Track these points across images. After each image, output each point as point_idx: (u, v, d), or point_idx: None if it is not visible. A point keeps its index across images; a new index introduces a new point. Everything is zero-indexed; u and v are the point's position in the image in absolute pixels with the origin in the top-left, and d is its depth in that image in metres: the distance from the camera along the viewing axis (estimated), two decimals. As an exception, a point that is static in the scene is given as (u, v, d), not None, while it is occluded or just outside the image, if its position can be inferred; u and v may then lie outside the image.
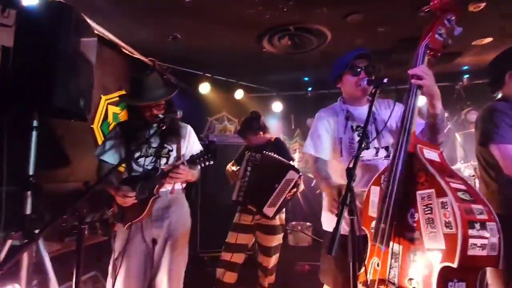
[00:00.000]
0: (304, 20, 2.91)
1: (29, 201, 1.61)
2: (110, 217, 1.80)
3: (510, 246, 0.97)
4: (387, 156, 1.55)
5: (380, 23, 2.96)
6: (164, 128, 1.65)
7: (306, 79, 4.64)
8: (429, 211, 1.02)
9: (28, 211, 1.60)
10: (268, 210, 2.30)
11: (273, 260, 2.55)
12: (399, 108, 1.60)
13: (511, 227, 1.02)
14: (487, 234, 0.93)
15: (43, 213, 1.69)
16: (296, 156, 5.05)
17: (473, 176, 3.10)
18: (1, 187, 1.64)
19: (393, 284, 1.11)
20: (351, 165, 1.08)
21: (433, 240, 1.00)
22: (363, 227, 1.27)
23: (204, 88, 4.20)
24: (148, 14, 2.77)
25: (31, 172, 1.64)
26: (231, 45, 3.42)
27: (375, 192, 1.25)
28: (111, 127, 3.05)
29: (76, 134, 2.69)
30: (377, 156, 1.54)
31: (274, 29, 3.06)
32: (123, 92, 3.24)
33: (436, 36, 1.19)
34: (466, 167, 3.39)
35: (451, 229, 0.94)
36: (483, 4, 2.55)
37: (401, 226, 1.10)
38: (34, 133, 1.66)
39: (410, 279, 1.06)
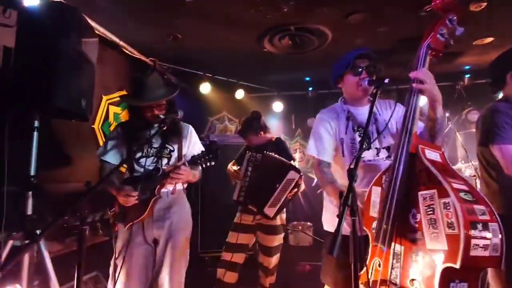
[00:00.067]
0: (304, 20, 2.91)
1: (30, 202, 1.61)
2: (111, 217, 1.80)
3: (510, 247, 0.97)
4: (388, 157, 1.55)
5: (381, 23, 2.96)
6: (165, 128, 1.65)
7: (308, 79, 4.63)
8: (431, 212, 1.01)
9: (29, 211, 1.60)
10: (269, 210, 2.29)
11: (274, 260, 2.55)
12: (400, 109, 1.59)
13: (511, 228, 1.02)
14: (489, 235, 0.93)
15: (44, 214, 1.69)
16: (297, 156, 5.05)
17: (474, 176, 3.10)
18: (2, 188, 1.64)
19: (395, 284, 1.11)
20: (352, 166, 1.08)
21: (435, 240, 0.99)
22: (364, 228, 1.27)
23: (205, 88, 4.20)
24: (149, 14, 2.77)
25: (32, 172, 1.65)
26: (231, 45, 3.42)
27: (376, 193, 1.25)
28: (112, 127, 3.06)
29: (77, 134, 2.69)
30: (378, 156, 1.54)
31: (274, 29, 3.05)
32: (124, 92, 3.24)
33: (438, 36, 1.18)
34: (467, 167, 3.39)
35: (453, 229, 0.94)
36: (484, 4, 2.55)
37: (402, 226, 1.10)
38: (35, 134, 1.66)
39: (412, 279, 1.06)
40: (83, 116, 1.81)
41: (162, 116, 1.71)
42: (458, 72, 4.19)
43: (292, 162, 2.48)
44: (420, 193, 1.06)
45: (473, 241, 0.91)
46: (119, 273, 1.66)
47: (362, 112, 1.61)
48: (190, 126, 1.95)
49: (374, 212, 1.24)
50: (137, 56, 3.41)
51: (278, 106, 4.86)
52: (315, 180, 4.41)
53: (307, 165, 5.13)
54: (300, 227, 4.47)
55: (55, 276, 1.59)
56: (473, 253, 0.91)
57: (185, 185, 1.90)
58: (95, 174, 1.90)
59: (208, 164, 1.66)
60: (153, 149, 1.80)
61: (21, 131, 1.66)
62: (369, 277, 1.19)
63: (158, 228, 1.75)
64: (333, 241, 0.94)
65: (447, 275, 0.97)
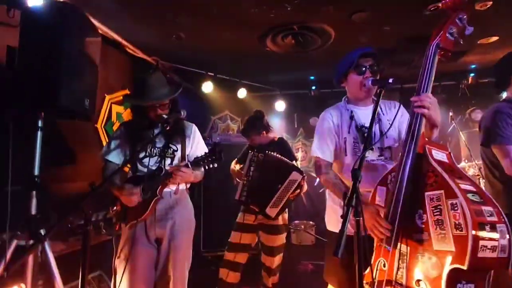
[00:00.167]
0: (308, 19, 2.89)
1: (34, 201, 1.62)
2: (113, 217, 1.79)
3: None
4: (391, 157, 1.54)
5: (386, 22, 2.94)
6: (168, 128, 1.65)
7: (312, 78, 4.62)
8: (438, 213, 1.01)
9: (34, 211, 1.60)
10: (271, 211, 2.29)
11: (276, 260, 2.55)
12: (404, 110, 1.59)
13: None
14: (497, 236, 0.92)
15: (48, 213, 1.69)
16: (299, 155, 5.05)
17: (478, 175, 3.08)
18: (6, 187, 1.65)
19: (401, 285, 1.10)
20: (356, 166, 1.07)
21: (442, 241, 0.99)
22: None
23: (207, 87, 4.20)
24: (151, 14, 2.77)
25: (36, 172, 1.65)
26: (234, 44, 3.41)
27: (381, 192, 1.24)
28: (115, 126, 3.06)
29: (80, 133, 2.70)
30: (381, 156, 1.53)
31: (277, 28, 3.04)
32: (127, 91, 3.24)
33: (447, 35, 1.17)
34: (471, 167, 3.37)
35: (461, 231, 0.93)
36: (489, 3, 2.52)
37: (408, 227, 1.09)
38: (39, 133, 1.66)
39: (418, 280, 1.06)
40: (86, 116, 1.81)
41: (165, 116, 1.70)
42: (462, 71, 4.16)
43: (294, 162, 2.48)
44: (426, 193, 1.06)
45: (481, 243, 0.90)
46: (123, 272, 1.66)
47: (365, 112, 1.60)
48: (194, 126, 1.94)
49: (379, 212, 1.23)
50: (139, 56, 3.40)
51: (280, 105, 4.85)
52: (318, 179, 4.40)
53: (309, 164, 5.12)
54: (302, 226, 4.47)
55: (59, 276, 1.59)
56: (481, 254, 0.91)
57: (188, 185, 1.90)
58: (98, 173, 1.90)
59: (211, 165, 1.66)
60: (156, 148, 1.79)
61: (25, 131, 1.66)
62: (374, 277, 1.19)
63: (161, 228, 1.74)
64: (338, 242, 0.93)
65: (454, 276, 0.96)
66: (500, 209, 0.98)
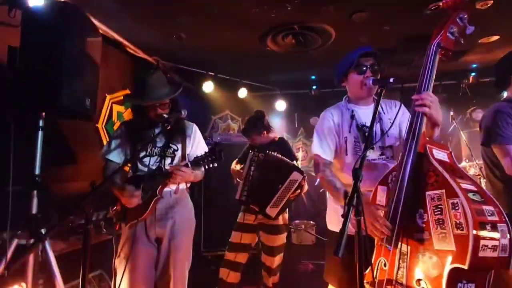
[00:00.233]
0: (308, 19, 2.89)
1: (35, 201, 1.62)
2: (113, 216, 1.80)
3: None
4: (392, 156, 1.54)
5: (386, 22, 2.94)
6: (169, 128, 1.65)
7: (313, 77, 4.62)
8: (439, 212, 1.01)
9: (35, 210, 1.61)
10: (271, 211, 2.29)
11: (276, 260, 2.55)
12: (405, 110, 1.59)
13: None
14: (498, 236, 0.92)
15: (49, 213, 1.69)
16: (299, 155, 5.04)
17: (478, 175, 3.08)
18: (7, 187, 1.65)
19: (401, 284, 1.10)
20: (357, 166, 1.07)
21: (442, 241, 0.99)
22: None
23: (208, 87, 4.20)
24: (152, 13, 2.77)
25: (37, 171, 1.65)
26: (235, 44, 3.41)
27: (382, 192, 1.24)
28: (116, 126, 3.06)
29: (81, 133, 2.70)
30: (382, 155, 1.53)
31: (278, 28, 3.04)
32: (127, 91, 3.24)
33: (448, 34, 1.16)
34: (471, 166, 3.37)
35: (462, 230, 0.93)
36: (490, 2, 2.52)
37: (409, 226, 1.09)
38: (40, 133, 1.67)
39: (419, 279, 1.05)
40: (87, 115, 1.81)
41: (166, 116, 1.70)
42: (463, 70, 4.15)
43: (295, 162, 2.48)
44: (427, 193, 1.06)
45: (482, 242, 0.90)
46: (123, 272, 1.66)
47: (366, 111, 1.60)
48: (194, 125, 1.94)
49: (379, 211, 1.23)
50: (140, 55, 3.41)
51: (281, 105, 4.85)
52: (318, 180, 4.40)
53: (309, 164, 5.12)
54: (303, 226, 4.47)
55: (60, 275, 1.60)
56: (482, 254, 0.91)
57: (188, 185, 1.90)
58: (99, 173, 1.90)
59: (211, 165, 1.66)
60: (157, 148, 1.79)
61: (26, 131, 1.66)
62: (374, 276, 1.19)
63: (161, 228, 1.74)
64: (338, 241, 0.93)
65: (455, 276, 0.96)
66: (501, 209, 0.98)
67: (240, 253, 2.48)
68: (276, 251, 2.52)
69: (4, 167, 1.60)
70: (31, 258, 1.57)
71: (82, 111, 1.72)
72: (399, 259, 1.12)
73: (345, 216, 0.96)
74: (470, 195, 0.96)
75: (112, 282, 1.71)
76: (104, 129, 3.02)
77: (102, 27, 2.69)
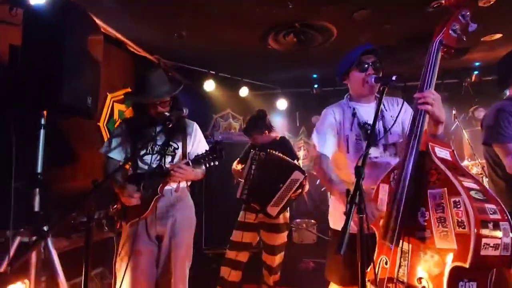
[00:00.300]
0: (310, 17, 2.88)
1: (37, 199, 1.63)
2: (114, 214, 1.80)
3: None
4: (395, 154, 1.53)
5: (387, 20, 2.92)
6: (171, 126, 1.65)
7: (315, 76, 4.61)
8: (441, 210, 1.00)
9: (37, 208, 1.61)
10: (272, 209, 2.29)
11: (277, 259, 2.55)
12: (407, 107, 1.58)
13: None
14: (500, 234, 0.92)
15: (51, 211, 1.70)
16: (301, 154, 5.04)
17: (481, 174, 3.07)
18: (9, 185, 1.66)
19: (402, 282, 1.10)
20: (359, 163, 1.07)
21: (444, 239, 0.98)
22: (371, 226, 1.26)
23: (209, 85, 4.20)
24: (153, 12, 2.77)
25: (39, 169, 1.66)
26: (236, 42, 3.41)
27: (384, 190, 1.24)
28: (117, 125, 3.06)
29: (82, 132, 2.70)
30: (385, 153, 1.52)
31: (279, 26, 3.03)
32: (129, 90, 3.25)
33: (450, 32, 1.16)
34: (474, 165, 3.36)
35: (463, 228, 0.93)
36: (493, 0, 2.51)
37: (411, 224, 1.09)
38: (42, 131, 1.67)
39: (420, 278, 1.05)
40: (88, 114, 1.81)
41: (167, 114, 1.70)
42: (465, 68, 4.14)
43: (296, 161, 2.47)
44: (429, 191, 1.05)
45: (484, 240, 0.90)
46: (125, 270, 1.66)
47: (368, 109, 1.59)
48: (195, 124, 1.94)
49: (381, 209, 1.23)
50: (141, 54, 3.41)
51: (282, 103, 4.85)
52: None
53: (310, 163, 5.11)
54: (304, 225, 4.47)
55: (62, 272, 1.60)
56: (483, 252, 0.90)
57: (189, 183, 1.90)
58: (100, 171, 1.90)
59: (212, 163, 1.66)
60: (157, 146, 1.79)
61: (28, 129, 1.67)
62: (376, 274, 1.19)
63: (162, 226, 1.74)
64: (340, 239, 0.93)
65: (456, 274, 0.96)
66: (504, 207, 0.97)
67: (241, 252, 2.49)
68: (276, 249, 2.52)
69: (6, 166, 1.61)
70: (33, 255, 1.58)
71: (83, 109, 1.73)
72: (401, 257, 1.11)
73: (347, 214, 0.96)
74: (472, 193, 0.95)
75: (113, 280, 1.71)
76: (105, 128, 3.03)
77: (103, 26, 2.69)
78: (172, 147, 1.81)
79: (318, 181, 4.24)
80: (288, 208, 2.53)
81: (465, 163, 3.49)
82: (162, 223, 1.75)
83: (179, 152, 1.82)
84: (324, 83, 4.60)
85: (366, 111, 1.59)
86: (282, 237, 2.53)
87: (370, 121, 1.51)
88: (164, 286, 1.72)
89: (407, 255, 1.09)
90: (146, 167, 1.75)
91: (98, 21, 2.23)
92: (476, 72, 4.10)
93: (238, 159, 2.73)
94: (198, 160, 1.65)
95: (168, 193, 1.75)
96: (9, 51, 1.80)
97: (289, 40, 3.27)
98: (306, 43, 3.31)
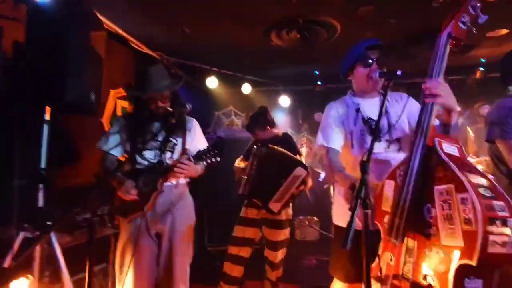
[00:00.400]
0: (313, 13, 2.86)
1: (41, 194, 1.63)
2: (113, 211, 1.80)
3: None
4: (399, 149, 1.52)
5: (392, 15, 2.89)
6: (174, 121, 1.64)
7: (317, 72, 4.58)
8: (448, 207, 0.99)
9: (41, 204, 1.62)
10: (274, 205, 2.28)
11: (279, 255, 2.54)
12: (412, 102, 1.56)
13: None
14: (508, 231, 0.90)
15: (54, 207, 1.70)
16: (303, 150, 5.02)
17: (485, 171, 3.04)
18: (13, 181, 1.67)
19: (407, 279, 1.09)
20: (365, 159, 1.05)
21: (451, 236, 0.97)
22: (375, 222, 1.25)
23: (212, 82, 4.18)
24: (156, 8, 2.75)
25: (43, 165, 1.66)
26: (239, 39, 3.39)
27: (389, 186, 1.23)
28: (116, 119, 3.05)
29: (85, 128, 2.71)
30: (389, 148, 1.51)
31: (282, 22, 3.01)
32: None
33: (460, 24, 1.13)
34: (478, 162, 3.33)
35: (470, 226, 0.92)
36: (500, -7, 2.47)
37: (416, 221, 1.08)
38: (45, 127, 1.67)
39: (425, 275, 1.04)
40: (92, 110, 1.81)
41: (170, 109, 1.69)
42: (470, 65, 4.09)
43: (298, 157, 2.46)
44: (436, 187, 1.04)
45: (491, 238, 0.89)
46: (128, 267, 1.66)
47: (371, 104, 1.58)
48: (194, 120, 1.92)
49: (386, 206, 1.21)
50: (144, 51, 3.40)
51: (285, 100, 4.83)
52: (322, 175, 4.38)
53: (314, 159, 5.09)
54: (306, 222, 4.46)
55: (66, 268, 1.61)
56: (490, 250, 0.89)
57: (188, 179, 1.88)
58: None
59: (213, 160, 1.64)
60: (156, 142, 1.77)
61: (32, 125, 1.67)
62: (381, 270, 1.18)
63: (161, 222, 1.73)
64: (346, 234, 0.92)
65: (463, 272, 0.95)
66: (512, 204, 0.96)
67: (243, 247, 2.49)
68: (279, 245, 2.51)
69: (10, 162, 1.61)
70: (37, 250, 1.59)
71: (87, 105, 1.73)
72: (406, 254, 1.10)
73: (352, 209, 0.95)
74: (480, 190, 0.94)
75: (115, 277, 1.72)
76: (108, 124, 3.03)
77: (106, 22, 2.68)
78: (172, 143, 1.78)
79: (321, 178, 4.23)
80: (291, 204, 2.53)
81: (469, 159, 3.46)
82: (161, 219, 1.73)
83: (178, 148, 1.79)
84: (327, 80, 4.57)
85: (370, 107, 1.57)
86: (284, 233, 2.53)
87: (374, 117, 1.50)
88: (165, 283, 1.72)
89: (412, 251, 1.08)
90: (145, 162, 1.73)
91: (101, 17, 2.23)
92: (481, 69, 4.05)
93: (242, 156, 2.72)
94: (199, 156, 1.64)
95: (167, 189, 1.73)
96: (13, 48, 1.80)
97: (292, 37, 3.24)
98: (309, 39, 3.28)
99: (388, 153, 1.50)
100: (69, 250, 1.85)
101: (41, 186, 1.63)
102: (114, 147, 1.77)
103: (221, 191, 3.65)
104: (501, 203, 0.94)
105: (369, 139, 1.47)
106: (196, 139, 1.87)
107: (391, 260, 1.16)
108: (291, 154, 2.38)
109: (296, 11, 2.80)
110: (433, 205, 1.04)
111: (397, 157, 1.45)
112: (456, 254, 0.95)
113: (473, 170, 1.04)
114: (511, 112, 1.56)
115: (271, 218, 2.45)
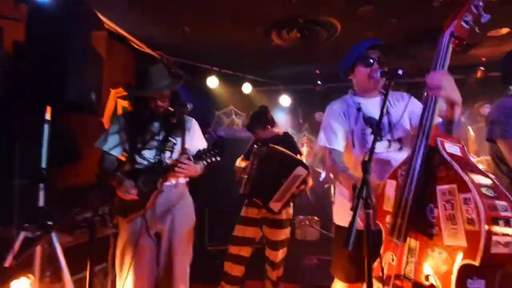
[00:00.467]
0: (313, 12, 2.85)
1: (42, 194, 1.63)
2: (113, 210, 1.79)
3: None
4: (400, 149, 1.51)
5: (392, 15, 2.88)
6: (174, 121, 1.63)
7: (317, 71, 4.57)
8: (450, 207, 0.98)
9: (41, 203, 1.62)
10: (274, 205, 2.28)
11: (280, 254, 2.54)
12: (413, 101, 1.56)
13: None
14: (511, 232, 0.90)
15: (55, 207, 1.70)
16: (304, 150, 5.02)
17: (486, 171, 3.03)
18: (13, 181, 1.66)
19: (409, 279, 1.09)
20: (366, 158, 1.05)
21: (453, 236, 0.97)
22: (377, 222, 1.24)
23: (212, 82, 4.18)
24: (156, 8, 2.75)
25: (43, 165, 1.66)
26: (239, 39, 3.38)
27: (391, 186, 1.22)
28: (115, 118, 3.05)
29: (86, 128, 2.70)
30: (390, 148, 1.51)
31: (283, 22, 3.00)
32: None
33: (462, 23, 1.13)
34: (479, 162, 3.32)
35: (473, 226, 0.91)
36: (501, -8, 2.45)
37: (418, 221, 1.08)
38: (46, 127, 1.67)
39: (427, 275, 1.04)
40: (92, 109, 1.81)
41: (171, 109, 1.69)
42: (471, 64, 4.08)
43: (299, 156, 2.46)
44: (438, 187, 1.03)
45: (494, 238, 0.88)
46: (129, 267, 1.66)
47: (372, 103, 1.57)
48: (194, 120, 1.91)
49: (388, 206, 1.21)
50: (145, 50, 3.40)
51: (285, 100, 4.82)
52: (322, 174, 4.38)
53: (314, 159, 5.09)
54: (307, 221, 4.46)
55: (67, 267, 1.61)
56: (493, 250, 0.89)
57: (187, 179, 1.87)
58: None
59: (213, 159, 1.64)
60: (156, 141, 1.76)
61: (32, 125, 1.67)
62: (383, 270, 1.17)
63: (161, 222, 1.73)
64: (348, 234, 0.92)
65: (465, 272, 0.94)
66: (515, 204, 0.95)
67: (244, 247, 2.49)
68: (279, 245, 2.51)
69: (11, 162, 1.61)
70: (38, 250, 1.58)
71: (87, 105, 1.72)
72: (408, 254, 1.10)
73: (354, 208, 0.95)
74: (483, 190, 0.93)
75: (115, 276, 1.71)
76: (109, 124, 3.02)
77: (107, 22, 2.68)
78: (171, 143, 1.77)
79: (321, 177, 4.22)
80: (292, 204, 2.53)
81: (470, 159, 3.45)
82: (161, 219, 1.73)
83: (177, 148, 1.79)
84: (328, 79, 4.56)
85: (371, 106, 1.57)
86: (285, 233, 2.53)
87: (375, 116, 1.50)
88: (165, 283, 1.72)
89: (414, 252, 1.08)
90: (144, 162, 1.73)
91: (101, 17, 2.23)
92: (482, 68, 4.05)
93: (242, 156, 2.72)
94: (199, 156, 1.63)
95: (167, 189, 1.73)
96: (13, 48, 1.80)
97: (293, 36, 3.23)
98: (309, 39, 3.27)
99: (390, 152, 1.50)
100: (69, 250, 1.85)
101: (41, 185, 1.63)
102: (113, 147, 1.77)
103: (221, 190, 3.65)
104: (503, 203, 0.93)
105: (370, 138, 1.47)
106: (195, 139, 1.87)
107: (392, 260, 1.15)
108: (292, 154, 2.38)
109: (296, 11, 2.80)
110: (435, 205, 1.04)
111: (398, 156, 1.44)
112: (459, 254, 0.95)
113: (476, 169, 1.03)
114: (511, 112, 1.56)
115: (271, 217, 2.45)
